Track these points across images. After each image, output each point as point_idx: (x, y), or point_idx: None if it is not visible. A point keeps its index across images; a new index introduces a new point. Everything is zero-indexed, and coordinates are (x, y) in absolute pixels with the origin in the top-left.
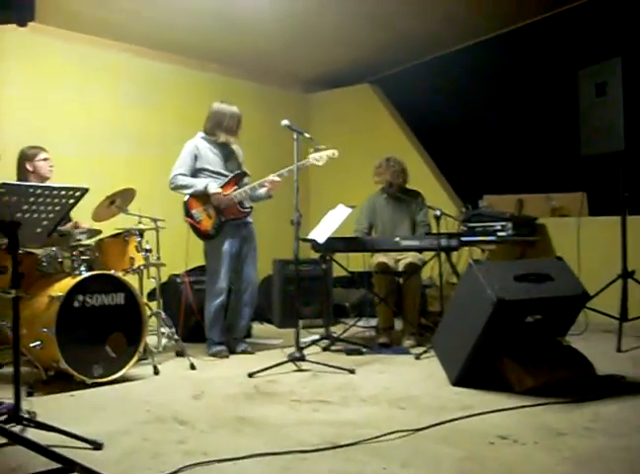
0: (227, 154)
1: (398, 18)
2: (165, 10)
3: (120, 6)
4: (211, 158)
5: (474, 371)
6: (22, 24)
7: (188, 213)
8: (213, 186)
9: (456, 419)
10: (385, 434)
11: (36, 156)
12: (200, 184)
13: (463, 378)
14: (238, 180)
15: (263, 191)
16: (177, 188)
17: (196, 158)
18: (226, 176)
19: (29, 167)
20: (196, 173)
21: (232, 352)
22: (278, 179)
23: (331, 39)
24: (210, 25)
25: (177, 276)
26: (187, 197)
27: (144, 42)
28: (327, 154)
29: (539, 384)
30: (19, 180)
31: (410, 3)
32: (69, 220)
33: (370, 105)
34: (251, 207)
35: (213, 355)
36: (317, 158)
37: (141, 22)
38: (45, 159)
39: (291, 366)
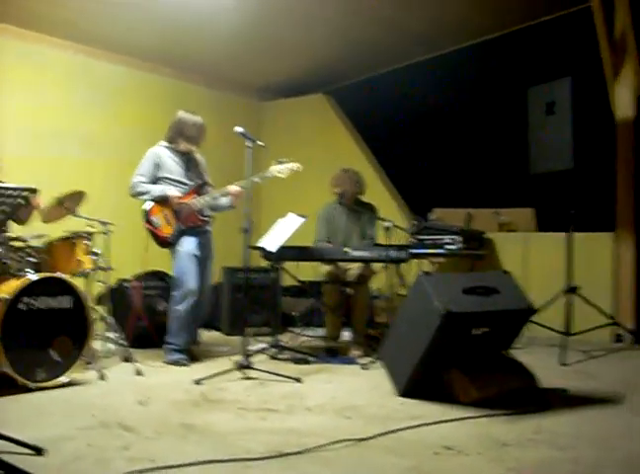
0: (189, 163)
1: (353, 30)
2: (121, 12)
3: (76, 5)
4: (172, 167)
5: (421, 382)
6: None
7: (147, 219)
8: (171, 189)
9: (402, 429)
10: (331, 444)
11: None
12: (157, 189)
13: (410, 389)
14: (198, 189)
15: (225, 200)
16: (136, 194)
17: (157, 166)
18: (187, 185)
19: None
20: (156, 181)
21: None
22: (239, 189)
23: (286, 47)
24: (166, 29)
25: (125, 281)
26: (146, 203)
27: (99, 44)
28: (289, 167)
29: (484, 396)
30: None
31: (365, 15)
32: None
33: (324, 115)
34: (210, 216)
35: (174, 362)
36: (279, 170)
37: (97, 23)
38: None
39: (238, 374)
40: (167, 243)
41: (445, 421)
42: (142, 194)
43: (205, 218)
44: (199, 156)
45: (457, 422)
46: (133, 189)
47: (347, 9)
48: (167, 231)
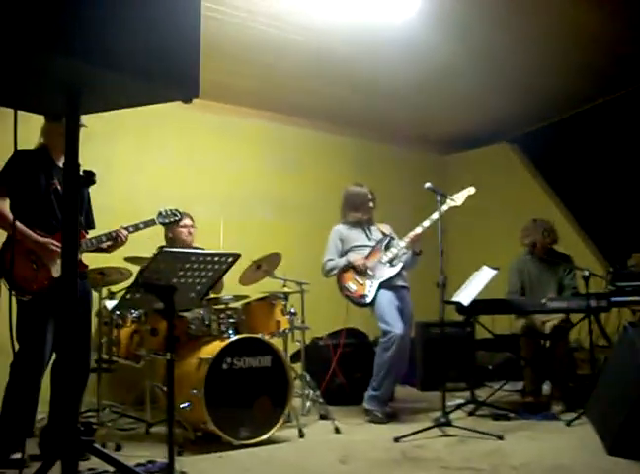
0: (368, 229)
1: (533, 75)
2: (301, 77)
3: (255, 73)
4: (355, 235)
5: (632, 440)
6: (187, 100)
7: (342, 288)
8: (353, 255)
9: None
10: None
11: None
12: (341, 260)
13: (621, 447)
14: (385, 246)
15: (408, 255)
16: (327, 272)
17: (341, 242)
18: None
19: (169, 232)
20: (345, 254)
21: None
22: (419, 230)
23: (465, 99)
24: (345, 90)
25: (320, 338)
26: (337, 276)
27: (283, 110)
28: (464, 193)
29: None
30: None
31: (545, 59)
32: None
33: (509, 164)
34: (404, 267)
35: (371, 416)
36: (454, 198)
37: (279, 90)
38: (185, 226)
39: (437, 431)
40: (366, 301)
41: None
42: (331, 269)
43: (396, 267)
44: (379, 225)
45: None
46: (324, 268)
47: (521, 56)
48: (362, 291)
